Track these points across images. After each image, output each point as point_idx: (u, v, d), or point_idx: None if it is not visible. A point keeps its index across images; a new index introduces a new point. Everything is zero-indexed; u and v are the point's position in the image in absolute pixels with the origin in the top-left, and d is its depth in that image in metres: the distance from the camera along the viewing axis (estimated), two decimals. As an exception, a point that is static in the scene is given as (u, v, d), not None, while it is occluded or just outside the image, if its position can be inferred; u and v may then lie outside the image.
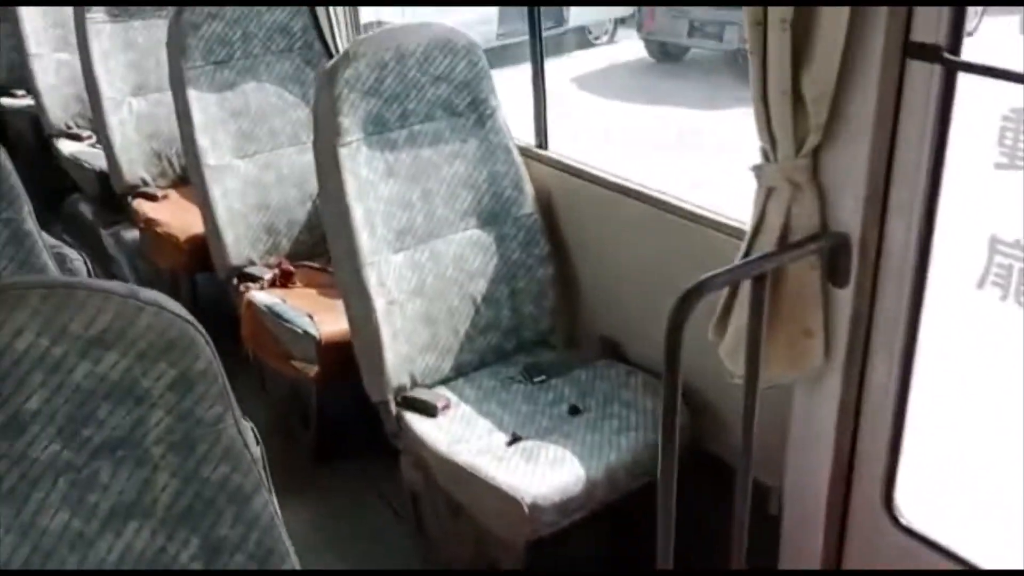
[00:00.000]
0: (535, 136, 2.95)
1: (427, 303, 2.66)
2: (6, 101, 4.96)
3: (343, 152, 2.54)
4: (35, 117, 4.68)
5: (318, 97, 2.61)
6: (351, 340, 2.67)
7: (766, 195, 1.90)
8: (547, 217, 2.83)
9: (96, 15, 3.81)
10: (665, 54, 9.92)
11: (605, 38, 10.90)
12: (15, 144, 4.60)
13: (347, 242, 2.55)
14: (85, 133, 4.51)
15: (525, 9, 2.84)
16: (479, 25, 9.63)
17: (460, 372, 2.71)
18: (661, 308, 1.70)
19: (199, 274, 3.68)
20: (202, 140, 3.22)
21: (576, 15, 10.29)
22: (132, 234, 4.13)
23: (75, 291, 1.17)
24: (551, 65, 2.98)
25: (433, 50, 2.66)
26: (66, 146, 4.39)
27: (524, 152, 2.84)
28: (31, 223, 2.07)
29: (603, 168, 2.78)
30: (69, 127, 4.52)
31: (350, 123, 2.55)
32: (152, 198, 3.85)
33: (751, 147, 1.91)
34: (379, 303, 2.55)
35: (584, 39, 10.69)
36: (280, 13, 3.36)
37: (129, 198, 3.89)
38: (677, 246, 2.49)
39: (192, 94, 3.22)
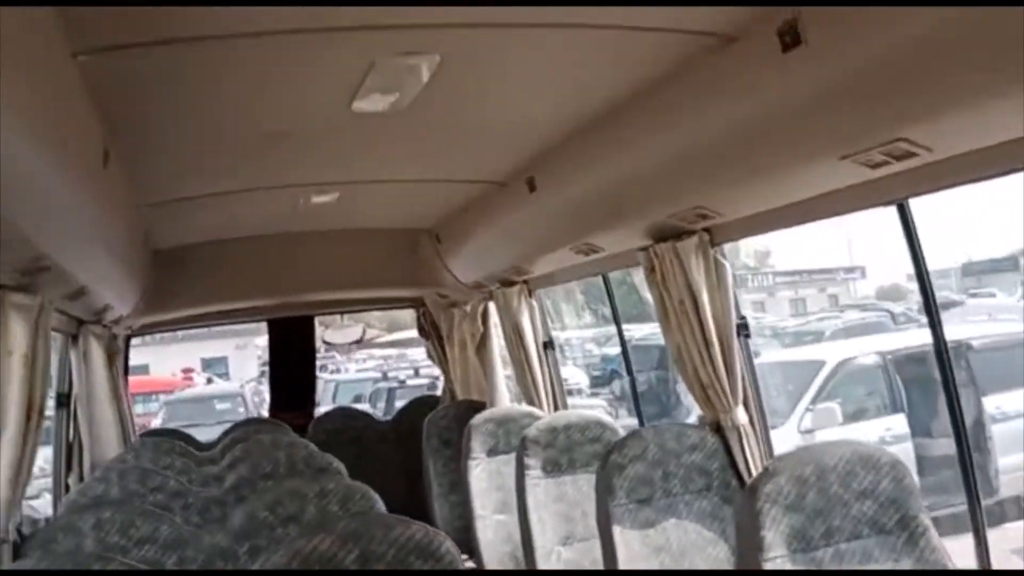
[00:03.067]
0: None
1: None
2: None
3: (767, 567, 2.50)
4: (472, 574, 5.10)
5: (740, 513, 2.65)
6: None
7: None
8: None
9: (533, 471, 4.26)
10: None
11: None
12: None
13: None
14: (515, 587, 4.80)
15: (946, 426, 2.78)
16: (897, 444, 9.27)
17: None
18: None
19: None
20: (626, 577, 3.32)
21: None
22: None
23: None
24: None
25: (855, 466, 2.64)
26: (500, 601, 4.68)
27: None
28: None
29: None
30: (503, 583, 4.85)
31: (772, 537, 2.53)
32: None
33: None
34: None
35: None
36: (697, 454, 3.54)
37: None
38: None
39: (616, 530, 3.39)
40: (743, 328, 3.59)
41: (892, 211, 2.99)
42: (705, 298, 3.50)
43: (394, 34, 2.40)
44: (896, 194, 2.74)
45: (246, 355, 27.14)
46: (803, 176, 2.77)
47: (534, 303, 5.33)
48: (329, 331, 7.26)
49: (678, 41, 2.63)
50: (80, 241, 3.14)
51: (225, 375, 26.23)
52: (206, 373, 25.37)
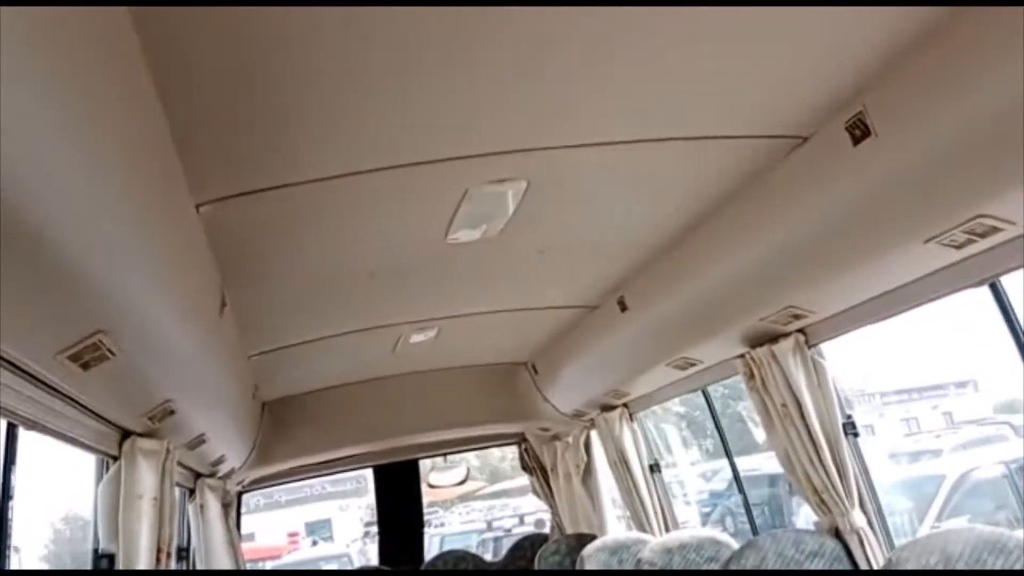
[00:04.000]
0: None
1: None
2: None
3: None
4: None
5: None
6: None
7: None
8: None
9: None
10: None
11: None
12: None
13: None
14: None
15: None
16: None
17: None
18: None
19: None
20: None
21: None
22: None
23: None
24: None
25: (982, 552, 2.55)
26: None
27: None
28: None
29: None
30: None
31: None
32: None
33: None
34: None
35: None
36: (818, 562, 3.44)
37: None
38: None
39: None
40: (850, 427, 3.54)
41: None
42: (807, 399, 3.48)
43: (483, 161, 2.57)
44: (985, 273, 2.74)
45: (349, 516, 27.09)
46: (890, 264, 2.80)
47: (636, 427, 5.32)
48: (433, 473, 7.31)
49: (751, 147, 2.74)
50: (199, 388, 3.32)
51: (329, 538, 26.17)
52: (311, 536, 25.36)
